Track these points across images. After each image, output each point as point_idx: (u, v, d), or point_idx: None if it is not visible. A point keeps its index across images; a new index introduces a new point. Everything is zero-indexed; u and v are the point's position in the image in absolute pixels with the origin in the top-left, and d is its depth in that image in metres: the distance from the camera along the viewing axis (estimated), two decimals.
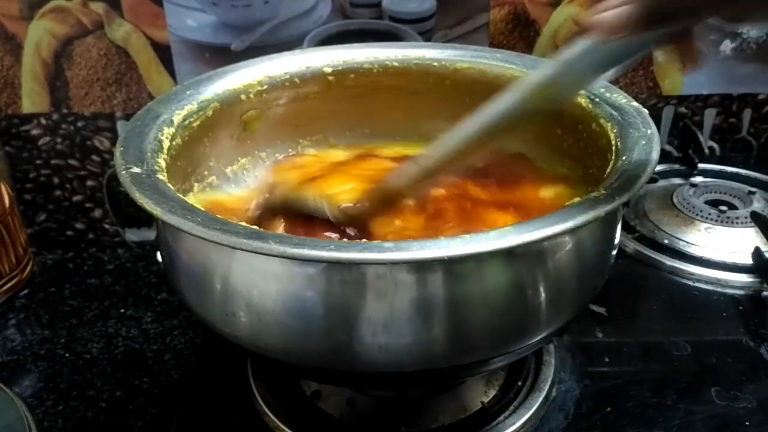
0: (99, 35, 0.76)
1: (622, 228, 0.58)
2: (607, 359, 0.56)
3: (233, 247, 0.35)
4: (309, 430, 0.49)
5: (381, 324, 0.37)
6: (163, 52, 0.76)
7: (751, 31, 0.79)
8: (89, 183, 0.82)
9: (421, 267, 0.36)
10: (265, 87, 0.55)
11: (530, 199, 0.51)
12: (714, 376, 0.54)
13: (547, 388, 0.51)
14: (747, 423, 0.49)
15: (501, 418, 0.50)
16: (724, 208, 0.70)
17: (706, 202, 0.72)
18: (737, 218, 0.69)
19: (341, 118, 0.60)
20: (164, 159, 0.45)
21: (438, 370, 0.41)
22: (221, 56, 0.76)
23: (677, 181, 0.78)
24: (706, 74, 0.81)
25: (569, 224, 0.36)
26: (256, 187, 0.56)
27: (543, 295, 0.39)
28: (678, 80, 0.81)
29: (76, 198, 0.83)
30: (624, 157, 0.42)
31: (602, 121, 0.48)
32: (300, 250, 0.34)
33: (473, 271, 0.37)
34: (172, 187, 0.41)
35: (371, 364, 0.39)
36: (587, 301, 0.46)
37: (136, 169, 0.41)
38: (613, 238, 0.45)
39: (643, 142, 0.44)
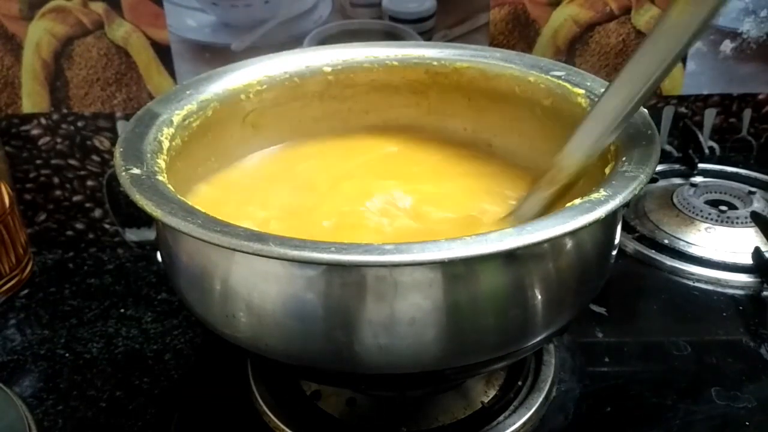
0: (99, 35, 0.75)
1: (622, 228, 0.58)
2: (607, 359, 0.56)
3: (234, 250, 0.35)
4: (309, 430, 0.49)
5: (381, 326, 0.37)
6: (163, 52, 0.76)
7: (752, 31, 0.79)
8: (89, 183, 0.82)
9: (421, 269, 0.36)
10: (264, 87, 0.55)
11: None
12: (714, 376, 0.54)
13: (547, 388, 0.51)
14: (747, 423, 0.50)
15: (501, 418, 0.50)
16: (724, 208, 0.70)
17: (706, 202, 0.72)
18: (737, 218, 0.69)
19: (341, 117, 0.60)
20: (164, 159, 0.45)
21: (438, 371, 0.41)
22: (221, 56, 0.75)
23: (677, 181, 0.78)
24: (706, 74, 0.81)
25: (570, 226, 0.35)
26: (255, 186, 0.56)
27: (543, 296, 0.39)
28: (678, 80, 0.81)
29: (76, 198, 0.83)
30: (624, 158, 0.42)
31: None
32: (300, 253, 0.34)
33: (473, 273, 0.37)
34: (172, 188, 0.41)
35: (371, 366, 0.39)
36: (587, 302, 0.46)
37: (135, 171, 0.41)
38: (613, 238, 0.45)
39: (643, 142, 0.43)
